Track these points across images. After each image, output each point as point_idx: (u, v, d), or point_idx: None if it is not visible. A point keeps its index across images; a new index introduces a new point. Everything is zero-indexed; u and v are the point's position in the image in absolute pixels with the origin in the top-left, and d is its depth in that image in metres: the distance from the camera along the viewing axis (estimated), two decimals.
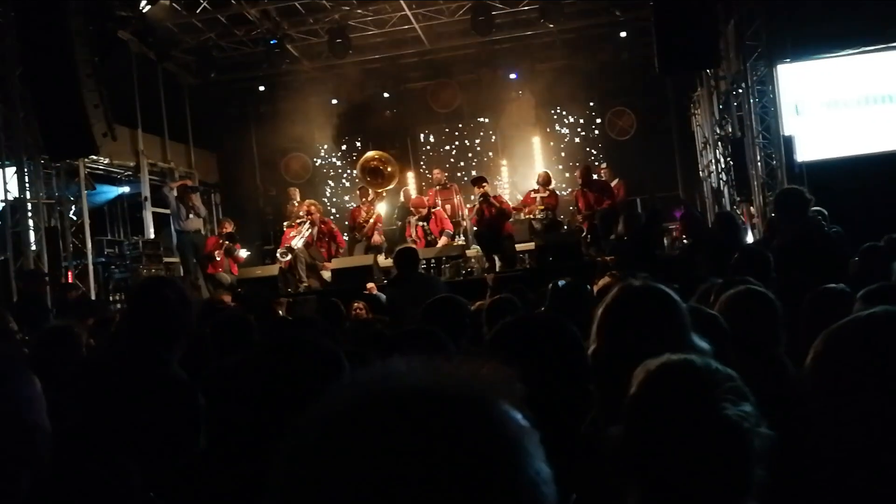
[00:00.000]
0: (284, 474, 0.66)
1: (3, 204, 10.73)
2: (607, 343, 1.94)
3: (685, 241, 9.94)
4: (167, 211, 12.66)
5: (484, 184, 11.96)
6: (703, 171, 14.32)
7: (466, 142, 16.55)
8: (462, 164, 16.31)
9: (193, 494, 2.22)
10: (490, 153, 16.19)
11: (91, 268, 11.34)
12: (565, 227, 12.82)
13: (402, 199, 13.83)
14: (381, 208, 13.47)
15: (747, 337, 2.64)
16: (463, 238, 12.66)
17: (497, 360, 0.74)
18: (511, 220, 12.17)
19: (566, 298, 3.80)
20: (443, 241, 11.89)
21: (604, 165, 14.47)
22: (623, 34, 14.20)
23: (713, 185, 12.96)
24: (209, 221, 14.53)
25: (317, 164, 17.05)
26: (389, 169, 13.83)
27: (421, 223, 12.08)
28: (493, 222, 11.67)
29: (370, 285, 9.43)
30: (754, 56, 10.98)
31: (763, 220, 10.35)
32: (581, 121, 16.22)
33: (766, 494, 1.33)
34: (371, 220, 12.76)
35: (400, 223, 13.22)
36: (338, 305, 6.22)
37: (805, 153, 10.83)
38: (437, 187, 13.20)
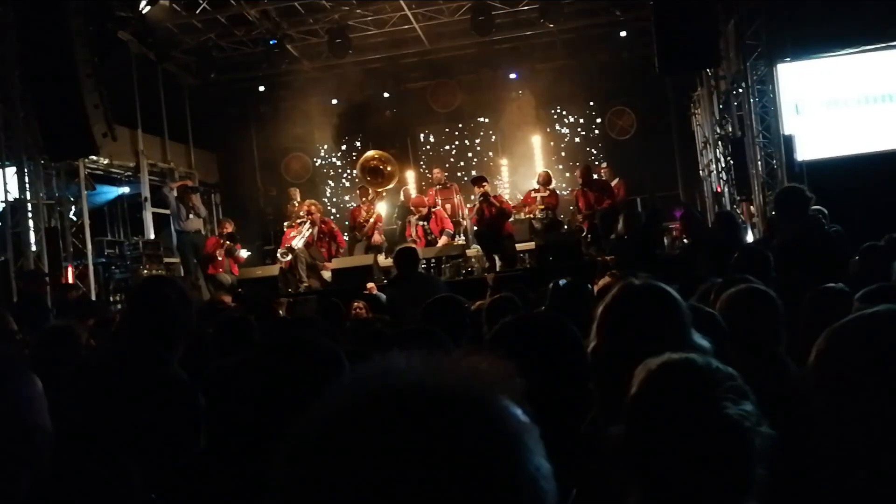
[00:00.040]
0: (284, 473, 0.66)
1: (3, 204, 10.72)
2: (607, 342, 1.94)
3: (685, 240, 9.94)
4: (167, 211, 12.66)
5: (484, 183, 11.95)
6: (703, 170, 14.32)
7: (466, 142, 16.55)
8: (462, 163, 16.32)
9: (194, 494, 2.22)
10: (490, 153, 16.19)
11: (91, 268, 11.33)
12: (565, 227, 12.82)
13: (402, 198, 13.83)
14: (381, 208, 13.47)
15: (748, 335, 2.64)
16: (463, 238, 12.66)
17: (497, 358, 0.74)
18: (511, 219, 12.17)
19: (567, 298, 3.80)
20: (443, 240, 11.89)
21: (604, 165, 14.47)
22: (623, 34, 14.20)
23: (713, 185, 12.97)
24: (209, 222, 14.53)
25: (317, 165, 17.06)
26: (389, 168, 13.83)
27: (421, 223, 12.08)
28: (494, 222, 11.67)
29: (370, 285, 9.43)
30: (754, 55, 10.98)
31: (763, 219, 10.35)
32: (581, 120, 16.22)
33: (767, 494, 1.33)
34: (371, 220, 12.76)
35: (400, 223, 13.22)
36: (338, 305, 6.22)
37: (805, 152, 10.83)
38: (438, 187, 13.20)
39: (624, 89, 15.44)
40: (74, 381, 2.69)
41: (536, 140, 15.20)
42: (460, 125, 16.56)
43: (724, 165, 11.83)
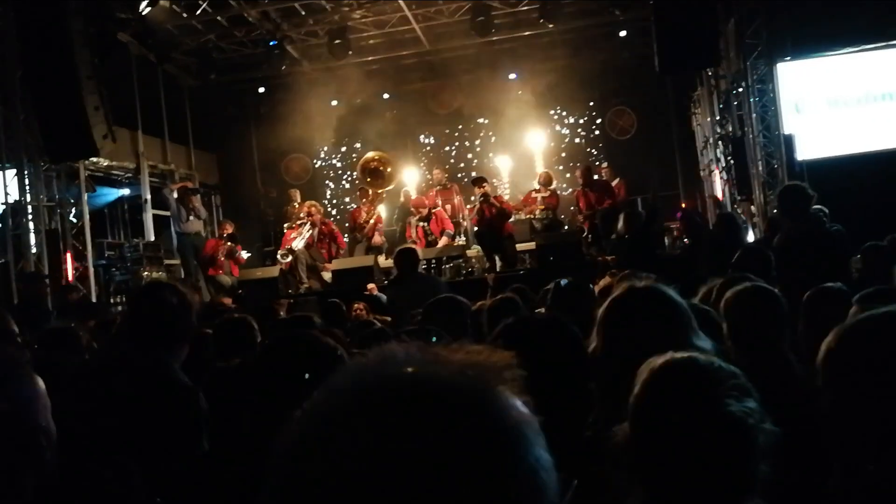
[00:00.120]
0: (282, 466, 0.65)
1: (4, 206, 10.72)
2: (607, 344, 1.94)
3: (685, 240, 9.94)
4: (168, 213, 12.66)
5: (484, 184, 11.96)
6: (703, 170, 14.32)
7: (466, 142, 16.55)
8: (462, 164, 16.31)
9: (197, 496, 2.22)
10: (490, 153, 16.18)
11: (91, 270, 11.34)
12: (565, 227, 12.82)
13: (402, 199, 13.83)
14: (381, 209, 13.47)
15: (753, 333, 2.64)
16: (463, 238, 12.65)
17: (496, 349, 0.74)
18: (511, 219, 12.17)
19: (568, 298, 3.80)
20: (443, 241, 11.89)
21: (604, 165, 14.47)
22: (623, 34, 14.19)
23: (714, 187, 12.98)
24: (209, 223, 14.53)
25: (317, 166, 17.06)
26: (389, 169, 13.82)
27: (421, 223, 12.08)
28: (494, 222, 11.67)
29: (371, 286, 9.43)
30: (754, 55, 10.98)
31: (764, 218, 10.35)
32: (581, 121, 16.22)
33: (771, 491, 1.33)
34: (371, 221, 12.76)
35: (400, 224, 13.22)
36: (339, 306, 6.22)
37: (805, 152, 10.83)
38: (438, 187, 13.21)
39: (624, 89, 15.43)
40: (76, 385, 2.69)
41: (536, 140, 15.20)
42: (460, 126, 16.56)
43: (724, 165, 11.83)
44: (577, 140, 16.20)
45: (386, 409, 0.63)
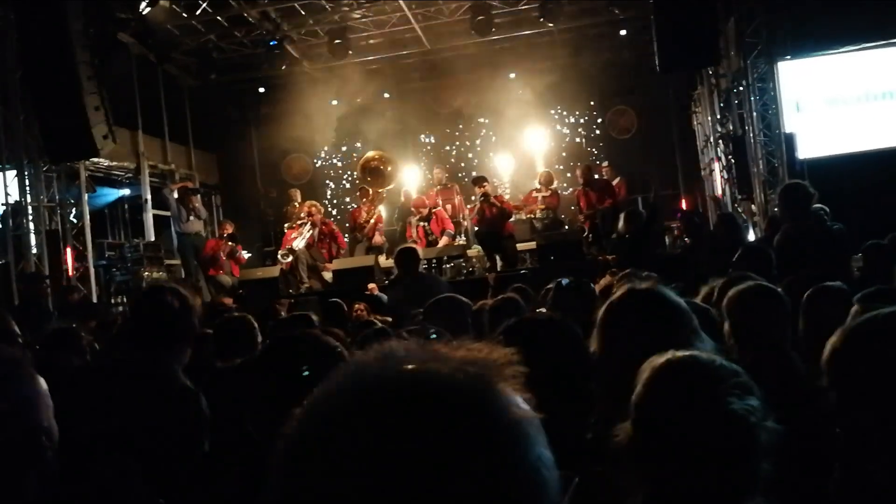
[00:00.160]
0: (282, 464, 0.65)
1: (4, 207, 10.73)
2: (607, 347, 1.94)
3: (686, 239, 9.93)
4: (168, 213, 12.67)
5: (485, 183, 11.95)
6: (704, 169, 14.32)
7: (467, 142, 16.55)
8: (463, 164, 16.31)
9: (198, 496, 2.22)
10: (490, 153, 16.18)
11: (92, 270, 11.34)
12: (566, 227, 12.82)
13: (402, 199, 13.83)
14: (382, 209, 13.46)
15: (756, 332, 2.64)
16: (464, 238, 12.65)
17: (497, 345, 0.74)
18: (512, 219, 12.17)
19: (569, 298, 3.80)
20: (444, 240, 11.89)
21: (605, 164, 14.47)
22: (623, 33, 14.19)
23: (714, 186, 12.97)
24: (210, 223, 14.53)
25: (317, 166, 17.06)
26: (389, 169, 13.82)
27: (422, 223, 12.08)
28: (494, 222, 11.67)
29: (371, 286, 9.42)
30: (755, 53, 10.98)
31: (764, 217, 10.35)
32: (581, 120, 16.21)
33: (774, 488, 1.33)
34: (372, 221, 12.76)
35: (401, 223, 13.22)
36: (341, 306, 6.22)
37: (806, 150, 10.83)
38: (438, 187, 13.20)
39: (624, 88, 15.43)
40: (78, 387, 2.69)
41: (537, 140, 15.20)
42: (460, 125, 16.56)
43: (725, 164, 11.83)
44: (577, 139, 16.19)
45: (386, 407, 0.63)
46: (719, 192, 12.54)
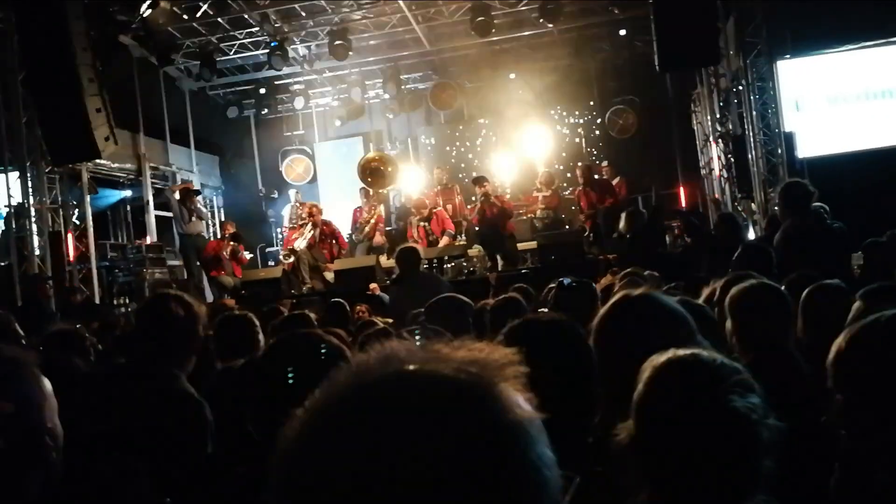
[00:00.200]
0: (284, 464, 0.65)
1: (7, 209, 10.75)
2: (605, 354, 1.95)
3: (686, 239, 9.93)
4: (170, 214, 12.67)
5: (485, 183, 11.95)
6: (703, 168, 14.31)
7: (467, 142, 16.54)
8: (463, 164, 16.30)
9: (201, 496, 2.23)
10: (491, 153, 16.18)
11: (94, 272, 11.35)
12: (567, 226, 12.82)
13: (402, 199, 13.82)
14: (382, 209, 13.46)
15: (758, 331, 2.64)
16: (464, 238, 12.65)
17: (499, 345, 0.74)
18: (512, 218, 12.17)
19: (571, 297, 3.80)
20: (444, 240, 11.89)
21: (605, 164, 14.47)
22: (622, 32, 14.19)
23: (714, 185, 12.96)
24: (211, 224, 14.55)
25: (318, 167, 17.07)
26: (390, 169, 13.82)
27: (422, 223, 12.07)
28: (495, 221, 11.66)
29: (373, 286, 9.43)
30: (754, 53, 10.97)
31: (764, 216, 10.35)
32: (581, 120, 16.20)
33: (776, 487, 1.33)
34: (372, 221, 12.75)
35: (401, 224, 13.21)
36: (343, 306, 6.22)
37: (806, 149, 10.83)
38: (439, 187, 13.19)
39: (624, 88, 15.42)
40: (81, 391, 2.69)
41: (537, 140, 15.19)
42: (461, 126, 16.56)
43: (724, 163, 11.82)
44: (577, 139, 16.18)
45: (387, 408, 0.63)
46: (718, 192, 12.55)
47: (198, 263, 12.11)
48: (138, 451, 2.24)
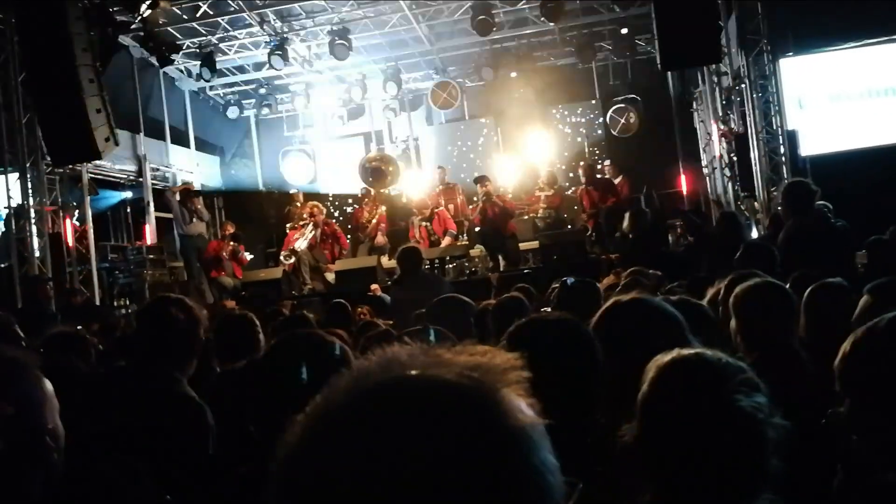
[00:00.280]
0: (284, 468, 0.65)
1: (7, 210, 10.74)
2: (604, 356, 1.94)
3: (689, 238, 9.92)
4: (170, 215, 12.67)
5: (487, 183, 11.95)
6: (706, 167, 14.30)
7: (469, 142, 16.54)
8: (465, 164, 16.30)
9: (202, 497, 2.22)
10: (492, 153, 16.18)
11: (95, 273, 11.35)
12: (569, 226, 12.81)
13: (404, 199, 13.82)
14: (384, 209, 13.46)
15: (764, 329, 2.63)
16: (466, 238, 12.65)
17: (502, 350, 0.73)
18: (514, 218, 12.16)
19: (575, 297, 3.78)
20: (446, 241, 11.89)
21: (607, 163, 14.46)
22: (624, 31, 14.19)
23: (716, 185, 12.95)
24: (212, 225, 14.54)
25: (319, 167, 17.06)
26: (391, 169, 13.83)
27: (424, 223, 12.07)
28: (497, 221, 11.66)
29: (374, 286, 9.42)
30: (756, 51, 10.97)
31: (767, 215, 10.33)
32: (583, 119, 16.20)
33: (783, 485, 1.32)
34: (373, 221, 12.75)
35: (403, 224, 13.21)
36: (345, 306, 6.21)
37: (809, 147, 10.81)
38: (440, 187, 13.20)
39: (626, 87, 15.42)
40: (83, 398, 2.68)
41: (539, 139, 15.19)
42: (462, 125, 16.56)
43: (727, 161, 11.81)
44: (578, 138, 16.18)
45: (389, 412, 0.63)
46: (721, 190, 12.53)
47: (198, 265, 12.10)
48: (139, 452, 2.23)
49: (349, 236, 13.38)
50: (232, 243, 11.91)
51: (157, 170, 14.31)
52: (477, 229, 12.46)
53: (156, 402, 2.59)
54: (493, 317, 3.59)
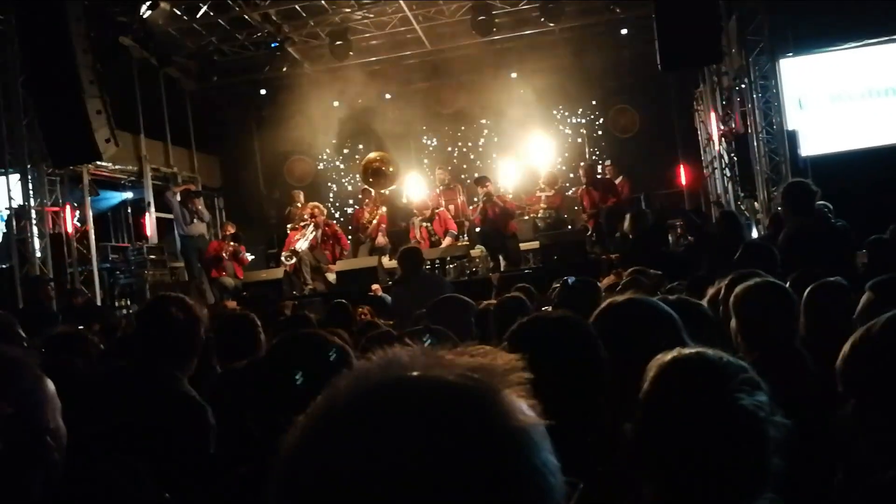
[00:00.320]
0: (285, 468, 0.65)
1: (8, 211, 10.76)
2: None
3: (689, 238, 9.92)
4: (171, 216, 12.67)
5: (487, 183, 11.95)
6: (706, 167, 14.29)
7: (469, 142, 16.54)
8: (465, 164, 16.30)
9: (202, 497, 2.22)
10: (493, 153, 16.17)
11: (96, 273, 11.36)
12: (569, 226, 12.82)
13: (405, 200, 13.82)
14: (384, 210, 13.46)
15: (765, 329, 2.63)
16: (467, 238, 12.65)
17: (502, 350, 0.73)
18: (514, 218, 12.16)
19: (576, 297, 3.78)
20: (447, 241, 11.89)
21: (608, 163, 14.46)
22: (624, 31, 14.18)
23: (717, 190, 12.94)
24: (213, 226, 14.54)
25: (319, 168, 17.07)
26: (392, 169, 13.81)
27: (425, 224, 12.08)
28: (497, 221, 11.66)
29: (375, 287, 9.43)
30: (756, 51, 10.96)
31: (767, 215, 10.33)
32: (583, 119, 16.20)
33: (785, 485, 1.32)
34: (374, 222, 12.75)
35: (403, 224, 13.22)
36: (346, 306, 6.22)
37: (809, 147, 10.81)
38: (441, 188, 13.19)
39: (626, 87, 15.41)
40: (84, 398, 2.69)
41: (539, 140, 15.18)
42: (462, 126, 16.56)
43: (727, 162, 11.81)
44: (579, 139, 16.18)
45: (390, 413, 0.63)
46: (721, 190, 12.52)
47: (199, 265, 12.11)
48: (139, 451, 2.23)
49: (350, 237, 13.38)
50: (232, 244, 11.91)
51: (158, 170, 14.31)
52: (477, 230, 12.46)
53: (156, 401, 2.59)
54: (494, 317, 3.59)
